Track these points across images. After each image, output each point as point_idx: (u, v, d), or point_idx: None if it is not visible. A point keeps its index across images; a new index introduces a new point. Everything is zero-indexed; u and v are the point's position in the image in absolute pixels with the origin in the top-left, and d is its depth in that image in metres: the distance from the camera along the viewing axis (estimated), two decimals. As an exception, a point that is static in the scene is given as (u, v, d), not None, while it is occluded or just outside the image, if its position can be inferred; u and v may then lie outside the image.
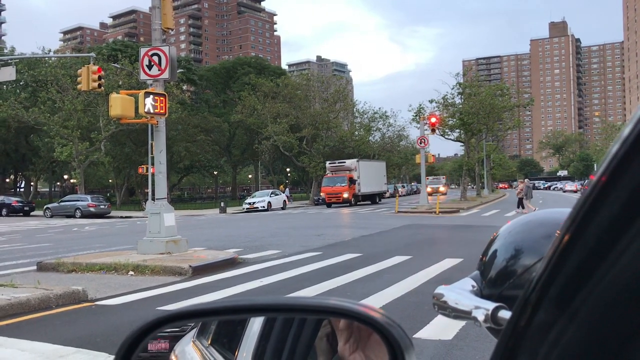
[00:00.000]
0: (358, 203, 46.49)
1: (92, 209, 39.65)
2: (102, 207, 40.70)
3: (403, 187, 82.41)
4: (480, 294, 1.02)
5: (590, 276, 0.43)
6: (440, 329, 6.13)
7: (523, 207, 29.60)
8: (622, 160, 0.45)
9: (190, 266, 11.23)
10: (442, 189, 64.15)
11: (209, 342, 1.69)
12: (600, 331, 0.41)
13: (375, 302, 7.49)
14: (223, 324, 1.66)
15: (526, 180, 31.54)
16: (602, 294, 0.42)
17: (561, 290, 0.47)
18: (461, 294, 1.00)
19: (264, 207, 41.89)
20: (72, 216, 39.41)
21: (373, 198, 49.22)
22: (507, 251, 1.01)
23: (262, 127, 56.01)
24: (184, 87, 74.12)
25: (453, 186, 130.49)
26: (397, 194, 50.52)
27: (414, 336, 5.84)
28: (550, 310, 0.47)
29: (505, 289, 0.98)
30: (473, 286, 1.05)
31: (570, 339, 0.44)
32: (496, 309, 0.88)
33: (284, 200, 47.01)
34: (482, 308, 0.91)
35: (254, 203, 42.22)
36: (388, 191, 59.73)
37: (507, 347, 0.53)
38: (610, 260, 0.41)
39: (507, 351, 0.53)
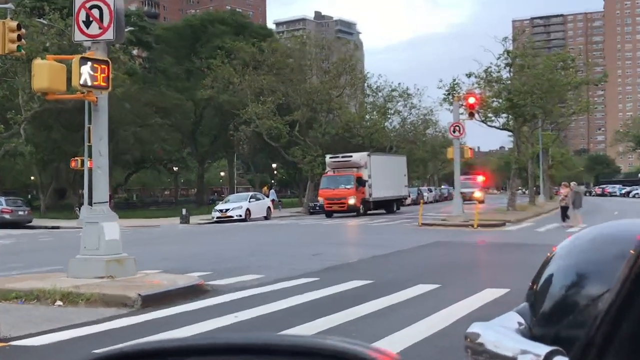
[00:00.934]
0: (368, 212, 46.96)
1: (6, 216, 39.74)
2: (20, 213, 40.80)
3: (429, 191, 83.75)
4: (530, 333, 1.03)
5: None
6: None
7: (568, 218, 30.88)
8: None
9: (139, 295, 11.40)
10: (477, 194, 64.37)
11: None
12: None
13: (388, 346, 7.53)
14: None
15: (573, 183, 31.98)
16: None
17: (637, 329, 0.47)
18: (503, 333, 1.01)
19: (240, 215, 42.99)
20: (-20, 225, 39.43)
21: (389, 205, 49.89)
22: (567, 276, 1.02)
23: (240, 108, 56.30)
24: (134, 52, 73.95)
25: (494, 191, 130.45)
26: (422, 201, 50.11)
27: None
28: (622, 355, 0.48)
29: (563, 328, 0.99)
30: (520, 323, 1.06)
31: None
32: (550, 354, 0.88)
33: (269, 207, 47.80)
34: (531, 353, 0.92)
35: (227, 210, 42.89)
36: (409, 196, 60.40)
37: None
38: None
39: None
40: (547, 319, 0.96)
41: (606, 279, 0.93)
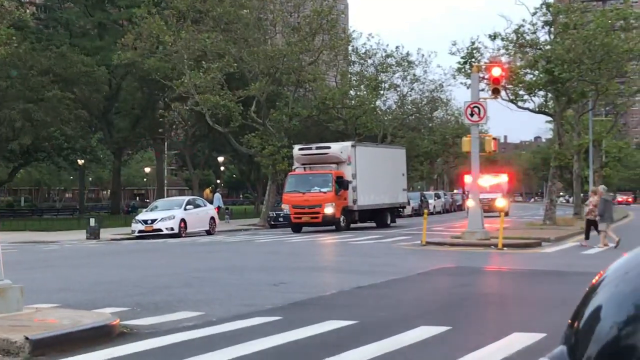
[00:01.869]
0: (352, 225, 42.55)
1: None
2: None
3: (437, 197, 75.12)
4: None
5: None
6: None
7: (598, 232, 27.35)
8: None
9: (27, 338, 10.11)
10: (499, 202, 56.88)
11: None
12: None
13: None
14: None
15: (601, 187, 29.17)
16: None
17: None
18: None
19: (172, 229, 39.27)
20: None
21: (381, 216, 45.17)
22: (621, 309, 0.86)
23: (174, 78, 50.17)
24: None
25: (519, 198, 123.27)
26: (426, 211, 46.24)
27: None
28: None
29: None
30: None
31: None
32: None
33: (212, 218, 43.04)
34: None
35: (153, 221, 39.51)
36: (409, 204, 55.40)
37: None
38: None
39: None
40: None
41: None
